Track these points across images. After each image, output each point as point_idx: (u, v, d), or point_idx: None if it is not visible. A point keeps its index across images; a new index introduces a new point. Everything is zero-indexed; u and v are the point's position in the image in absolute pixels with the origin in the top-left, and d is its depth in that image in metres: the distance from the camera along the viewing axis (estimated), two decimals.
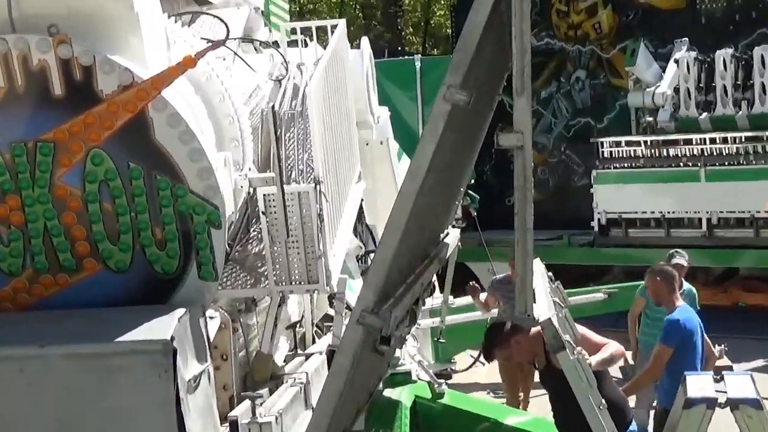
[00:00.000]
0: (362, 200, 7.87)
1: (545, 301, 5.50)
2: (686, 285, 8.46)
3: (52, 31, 4.56)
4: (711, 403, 4.54)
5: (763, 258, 13.84)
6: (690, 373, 5.04)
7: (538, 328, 5.34)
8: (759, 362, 11.11)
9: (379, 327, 4.39)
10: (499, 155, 14.77)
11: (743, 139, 13.94)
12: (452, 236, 6.71)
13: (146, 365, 4.29)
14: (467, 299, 10.51)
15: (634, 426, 6.26)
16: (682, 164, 14.32)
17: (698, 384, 4.66)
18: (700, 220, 14.22)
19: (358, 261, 8.49)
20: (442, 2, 24.49)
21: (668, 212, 14.41)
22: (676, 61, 15.18)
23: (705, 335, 7.41)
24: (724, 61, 14.75)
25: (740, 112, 14.51)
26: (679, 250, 9.20)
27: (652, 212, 14.57)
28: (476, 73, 4.46)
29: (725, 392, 4.64)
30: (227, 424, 5.05)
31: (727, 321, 8.83)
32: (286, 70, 6.57)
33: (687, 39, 15.56)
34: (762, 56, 14.40)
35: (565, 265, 12.40)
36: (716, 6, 16.83)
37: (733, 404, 4.49)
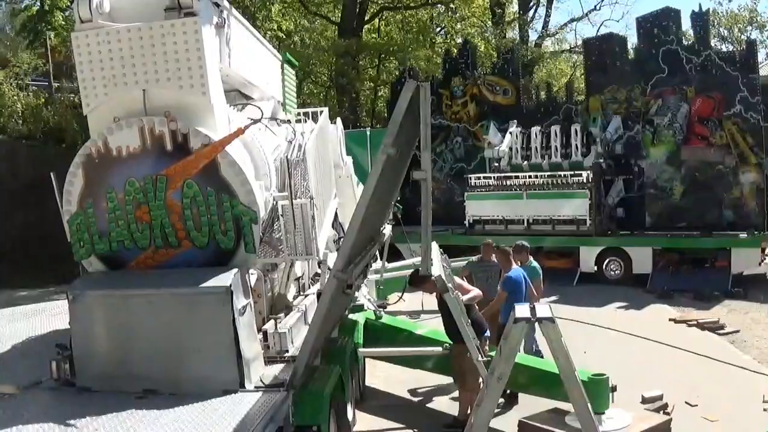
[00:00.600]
0: (336, 209, 7.67)
1: (438, 264, 5.45)
2: (534, 263, 7.72)
3: (166, 114, 4.59)
4: (528, 321, 4.34)
5: (557, 241, 14.06)
6: (517, 304, 4.78)
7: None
8: (553, 298, 11.45)
9: (345, 279, 4.41)
10: (414, 183, 14.66)
11: (546, 176, 14.22)
12: (387, 229, 6.79)
13: (216, 300, 4.30)
14: (395, 264, 10.44)
15: (487, 333, 6.36)
16: (513, 189, 14.45)
17: (521, 310, 4.44)
18: (523, 220, 14.40)
19: (334, 243, 8.45)
20: (382, 97, 24.50)
21: (506, 216, 14.52)
22: (511, 133, 15.37)
23: (531, 286, 7.19)
24: (536, 133, 15.11)
25: (544, 161, 14.85)
26: (524, 242, 8.17)
27: (498, 216, 14.69)
28: (400, 137, 4.45)
29: (536, 314, 4.40)
30: (261, 334, 5.05)
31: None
32: (294, 135, 6.36)
33: (516, 120, 15.77)
34: (555, 131, 14.91)
35: (450, 245, 12.47)
36: (531, 103, 17.27)
37: (539, 321, 4.30)
